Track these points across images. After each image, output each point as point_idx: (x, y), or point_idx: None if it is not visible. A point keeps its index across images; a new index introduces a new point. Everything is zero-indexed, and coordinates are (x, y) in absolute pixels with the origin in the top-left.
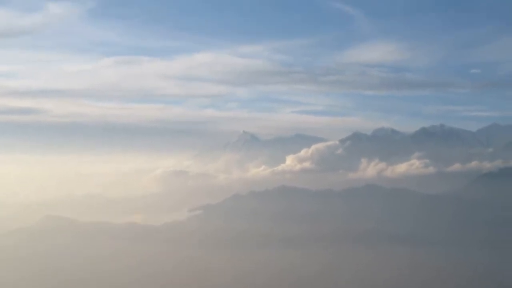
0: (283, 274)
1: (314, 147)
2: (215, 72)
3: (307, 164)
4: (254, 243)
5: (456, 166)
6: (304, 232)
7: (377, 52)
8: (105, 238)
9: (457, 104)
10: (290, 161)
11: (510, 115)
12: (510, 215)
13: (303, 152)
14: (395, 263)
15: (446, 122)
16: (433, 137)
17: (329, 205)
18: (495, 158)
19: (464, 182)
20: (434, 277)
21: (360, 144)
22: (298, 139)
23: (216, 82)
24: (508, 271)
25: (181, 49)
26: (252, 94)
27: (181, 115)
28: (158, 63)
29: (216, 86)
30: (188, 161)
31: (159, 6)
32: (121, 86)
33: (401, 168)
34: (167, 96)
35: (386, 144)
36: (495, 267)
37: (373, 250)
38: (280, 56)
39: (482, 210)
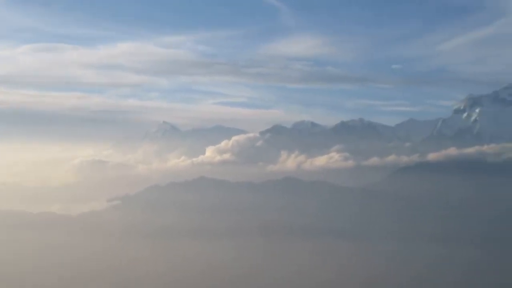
0: (201, 265)
1: (234, 139)
2: (137, 62)
3: (227, 156)
4: (172, 234)
5: (374, 160)
6: (222, 224)
7: (301, 45)
8: (20, 227)
9: (377, 99)
10: (210, 152)
11: (427, 110)
12: (425, 208)
13: (223, 144)
14: (311, 255)
15: (366, 116)
16: (353, 131)
17: (248, 197)
18: (412, 153)
19: (382, 176)
20: (349, 269)
21: (280, 136)
22: (218, 131)
23: (138, 72)
24: (420, 263)
25: (103, 38)
26: (174, 85)
27: (101, 105)
28: (80, 51)
29: (138, 76)
30: (107, 151)
31: None
32: (40, 74)
33: (321, 161)
34: (88, 85)
35: (306, 137)
36: (409, 259)
37: (291, 242)
38: (203, 47)
39: (398, 203)
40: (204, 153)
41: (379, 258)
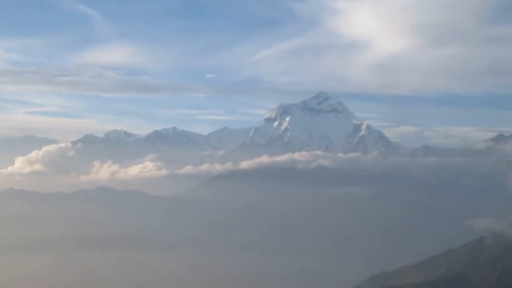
0: (8, 279)
1: (45, 149)
2: None
3: (37, 167)
4: None
5: (188, 169)
6: (32, 236)
7: (115, 54)
8: None
9: (191, 108)
10: (19, 163)
11: (240, 119)
12: (237, 215)
13: (33, 154)
14: (125, 266)
15: (179, 125)
16: (166, 140)
17: (59, 208)
18: (225, 161)
19: (196, 184)
20: (162, 279)
21: (92, 146)
22: (28, 141)
23: None
24: (226, 267)
25: None
26: None
27: None
28: None
29: None
30: None
31: None
32: None
33: (134, 170)
34: None
35: (118, 146)
36: (223, 266)
37: (105, 253)
38: (12, 55)
39: (211, 211)
40: (13, 164)
41: (184, 265)
